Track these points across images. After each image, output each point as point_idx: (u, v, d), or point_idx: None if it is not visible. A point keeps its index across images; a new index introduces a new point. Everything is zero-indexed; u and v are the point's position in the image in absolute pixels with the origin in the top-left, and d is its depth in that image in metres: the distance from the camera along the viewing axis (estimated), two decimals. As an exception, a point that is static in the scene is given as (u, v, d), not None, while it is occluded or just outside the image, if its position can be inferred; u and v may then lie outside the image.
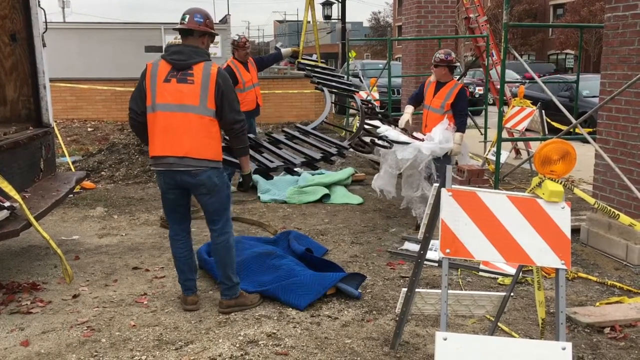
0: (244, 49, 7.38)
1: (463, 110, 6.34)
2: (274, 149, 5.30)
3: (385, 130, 6.45)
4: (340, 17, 27.75)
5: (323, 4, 30.18)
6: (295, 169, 5.17)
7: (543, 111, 8.95)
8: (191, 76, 3.83)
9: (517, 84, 15.66)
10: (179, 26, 3.96)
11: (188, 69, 3.84)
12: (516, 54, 6.48)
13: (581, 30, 8.46)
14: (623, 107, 5.19)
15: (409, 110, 6.68)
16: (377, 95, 12.44)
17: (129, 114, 4.06)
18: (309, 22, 7.89)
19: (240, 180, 4.37)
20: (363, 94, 13.01)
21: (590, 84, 13.02)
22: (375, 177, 6.71)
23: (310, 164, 5.19)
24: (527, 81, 16.26)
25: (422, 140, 6.23)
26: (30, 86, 5.81)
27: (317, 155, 5.27)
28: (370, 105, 7.85)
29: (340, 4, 26.43)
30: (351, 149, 5.84)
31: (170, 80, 3.83)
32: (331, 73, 8.28)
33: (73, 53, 19.01)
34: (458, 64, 6.34)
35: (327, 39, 60.34)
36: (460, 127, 6.30)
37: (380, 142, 6.00)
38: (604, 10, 5.65)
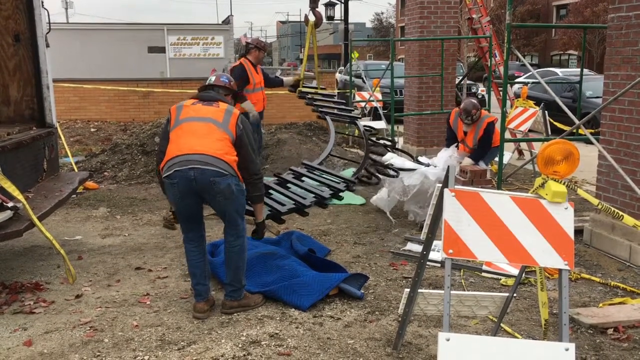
0: (263, 52, 7.59)
1: (484, 145, 6.77)
2: (283, 190, 5.30)
3: (390, 158, 6.52)
4: (342, 18, 27.78)
5: (326, 5, 30.20)
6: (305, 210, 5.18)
7: (546, 112, 8.94)
8: (217, 105, 4.08)
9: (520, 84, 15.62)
10: (207, 83, 4.37)
11: (214, 101, 4.10)
12: (519, 55, 6.48)
13: (584, 31, 8.45)
14: (626, 108, 5.18)
15: (456, 153, 6.92)
16: (379, 96, 12.43)
17: (156, 159, 4.17)
18: (311, 44, 7.89)
19: (255, 228, 4.39)
20: (366, 95, 13.04)
21: (593, 85, 13.00)
22: (376, 197, 6.78)
23: (320, 202, 5.19)
24: (531, 82, 16.23)
25: (428, 165, 6.31)
26: (33, 86, 5.82)
27: (327, 193, 5.27)
28: (373, 131, 7.84)
29: (342, 5, 26.44)
30: (358, 182, 5.92)
31: (196, 104, 4.09)
32: (332, 100, 8.35)
33: (76, 53, 19.06)
34: (476, 115, 6.74)
35: (329, 39, 60.38)
36: (475, 156, 6.65)
37: (386, 170, 6.07)
38: (607, 11, 5.64)
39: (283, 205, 4.96)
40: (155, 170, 8.68)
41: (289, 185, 5.48)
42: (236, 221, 4.06)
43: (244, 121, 4.08)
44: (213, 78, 4.40)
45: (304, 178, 5.73)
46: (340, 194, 5.43)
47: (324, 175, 5.78)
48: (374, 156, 6.55)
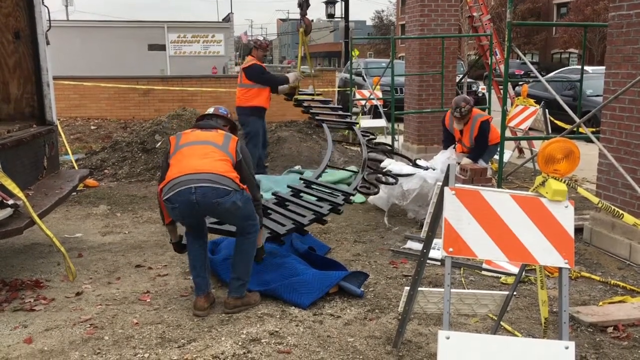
0: (265, 51, 7.73)
1: (480, 144, 6.72)
2: (281, 210, 5.27)
3: (388, 164, 6.50)
4: (343, 16, 27.75)
5: (326, 3, 30.16)
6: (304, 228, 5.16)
7: (546, 110, 8.94)
8: (215, 131, 4.17)
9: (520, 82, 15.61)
10: (206, 113, 4.48)
11: (212, 128, 4.19)
12: (520, 53, 6.47)
13: (585, 29, 8.45)
14: (627, 107, 5.18)
15: (454, 154, 6.90)
16: (380, 94, 12.43)
17: (159, 189, 4.14)
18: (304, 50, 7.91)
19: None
20: (366, 93, 13.02)
21: (593, 83, 12.98)
22: (374, 197, 6.78)
23: (319, 219, 5.16)
24: (531, 80, 16.22)
25: (426, 168, 6.31)
26: (33, 84, 5.82)
27: (325, 209, 5.23)
28: (371, 136, 7.83)
29: (343, 3, 26.41)
30: (358, 193, 5.89)
31: (195, 131, 4.18)
32: (329, 106, 8.34)
33: (76, 51, 19.08)
34: (465, 108, 6.67)
35: (330, 37, 60.33)
36: (473, 155, 6.57)
37: (385, 178, 6.04)
38: (607, 9, 5.62)
39: (283, 225, 4.95)
40: (152, 168, 8.71)
41: (287, 203, 5.45)
42: (247, 226, 4.11)
43: (244, 148, 4.16)
44: (212, 109, 4.47)
45: (302, 194, 5.70)
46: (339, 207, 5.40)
47: (322, 190, 5.76)
48: (372, 163, 6.52)
